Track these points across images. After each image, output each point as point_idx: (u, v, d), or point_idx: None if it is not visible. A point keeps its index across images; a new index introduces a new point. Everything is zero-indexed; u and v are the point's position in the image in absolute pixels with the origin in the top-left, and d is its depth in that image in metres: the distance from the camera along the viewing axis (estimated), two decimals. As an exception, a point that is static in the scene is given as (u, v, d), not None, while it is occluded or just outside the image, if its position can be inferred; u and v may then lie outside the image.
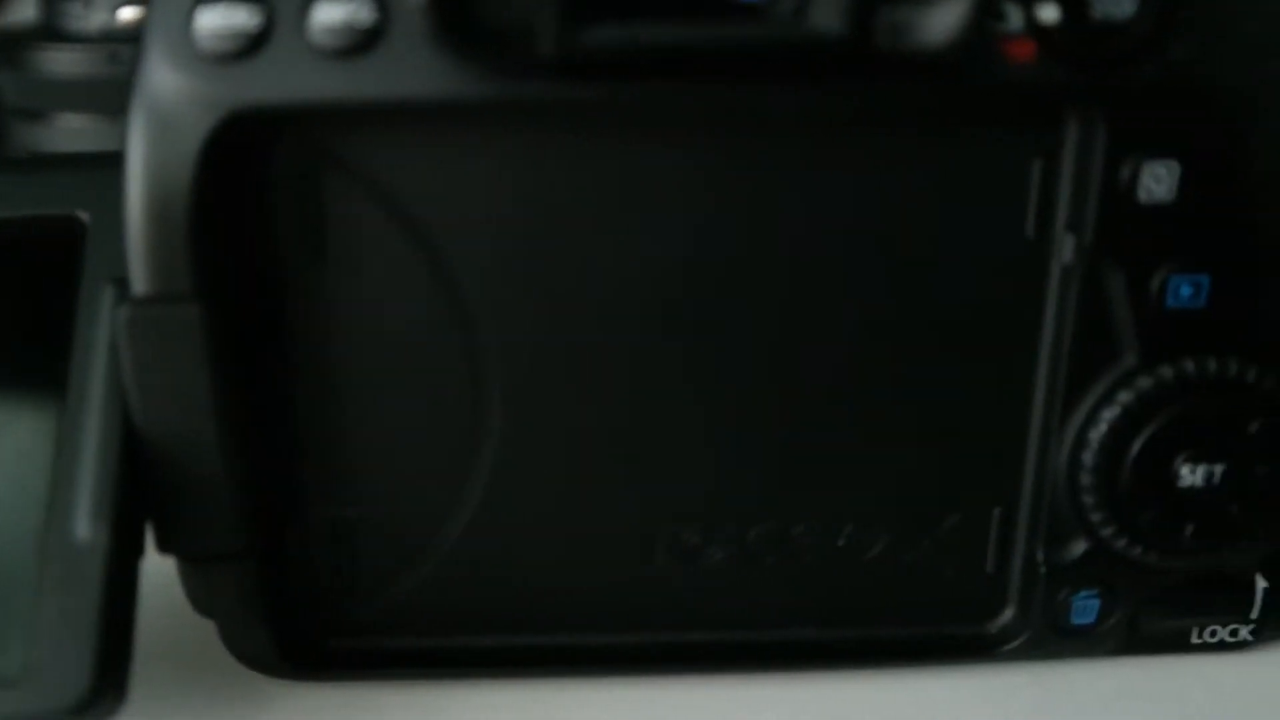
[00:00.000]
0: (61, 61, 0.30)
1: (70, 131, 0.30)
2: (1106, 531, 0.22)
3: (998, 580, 0.23)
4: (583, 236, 0.20)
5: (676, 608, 0.23)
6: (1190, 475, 0.22)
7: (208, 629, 0.22)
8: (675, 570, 0.23)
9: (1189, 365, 0.21)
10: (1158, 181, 0.20)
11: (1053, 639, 0.23)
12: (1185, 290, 0.21)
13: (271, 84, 0.18)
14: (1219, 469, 0.22)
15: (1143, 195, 0.20)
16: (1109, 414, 0.21)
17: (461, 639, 0.24)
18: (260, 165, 0.20)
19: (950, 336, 0.22)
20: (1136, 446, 0.21)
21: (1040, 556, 0.23)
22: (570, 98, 0.19)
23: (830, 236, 0.21)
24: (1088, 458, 0.22)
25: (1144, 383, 0.21)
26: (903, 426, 0.22)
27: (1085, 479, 0.22)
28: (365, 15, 0.18)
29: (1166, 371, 0.21)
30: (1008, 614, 0.24)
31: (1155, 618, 0.24)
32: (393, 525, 0.22)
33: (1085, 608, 0.23)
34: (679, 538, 0.23)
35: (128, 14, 0.30)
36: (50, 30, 0.31)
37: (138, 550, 0.20)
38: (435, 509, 0.22)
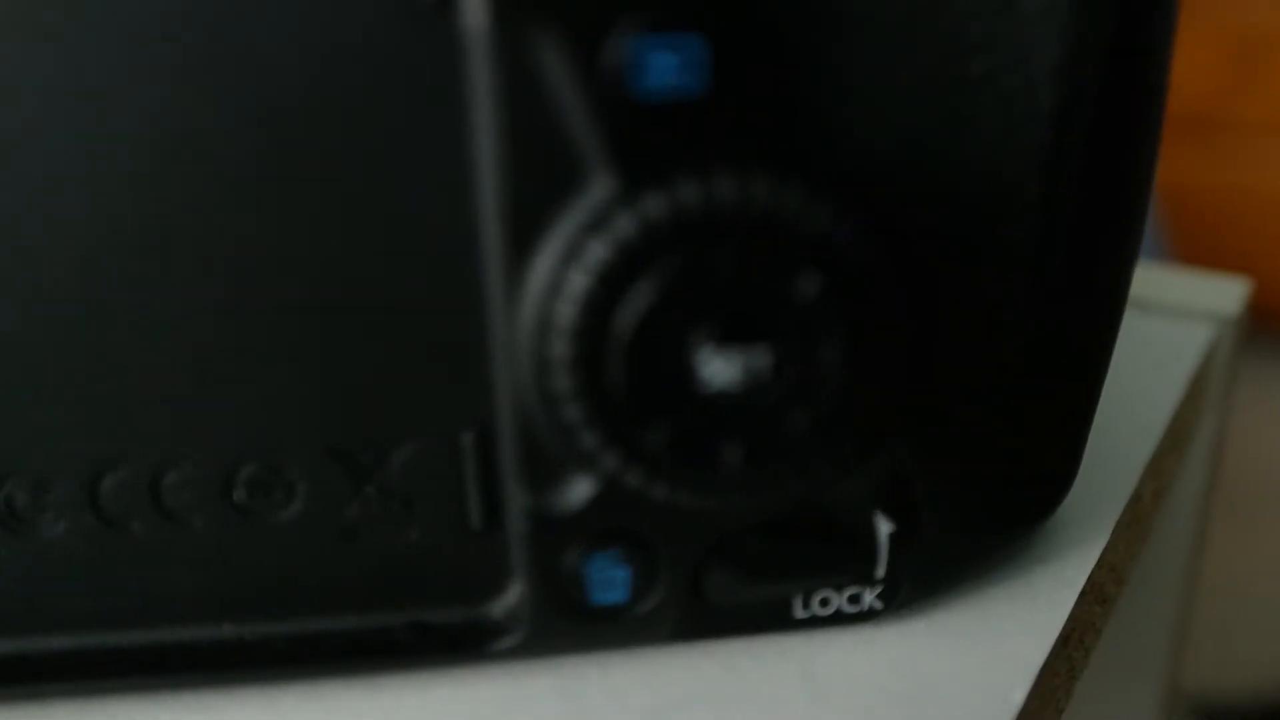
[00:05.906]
0: None
1: None
2: (609, 462, 0.14)
3: (492, 542, 0.16)
4: None
5: (24, 604, 0.16)
6: (720, 368, 0.14)
7: None
8: (8, 549, 0.15)
9: (689, 189, 0.13)
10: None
11: (573, 626, 0.16)
12: (665, 63, 0.13)
13: None
14: (763, 355, 0.14)
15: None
16: (578, 277, 0.13)
17: None
18: None
19: (340, 165, 0.13)
20: (627, 326, 0.13)
21: (527, 504, 0.15)
22: None
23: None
24: (559, 349, 0.14)
25: (623, 222, 0.13)
26: (286, 317, 0.14)
27: (561, 382, 0.14)
28: None
29: (656, 202, 0.13)
30: (514, 591, 0.16)
31: (728, 585, 0.16)
32: None
33: (610, 579, 0.15)
34: None
35: None
36: None
37: None
38: None
